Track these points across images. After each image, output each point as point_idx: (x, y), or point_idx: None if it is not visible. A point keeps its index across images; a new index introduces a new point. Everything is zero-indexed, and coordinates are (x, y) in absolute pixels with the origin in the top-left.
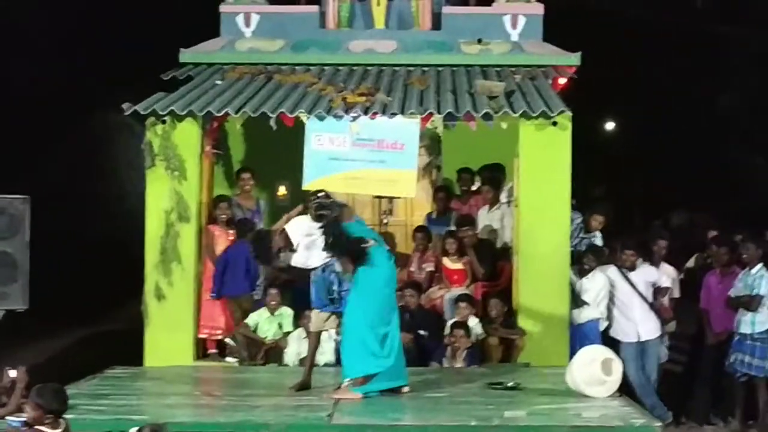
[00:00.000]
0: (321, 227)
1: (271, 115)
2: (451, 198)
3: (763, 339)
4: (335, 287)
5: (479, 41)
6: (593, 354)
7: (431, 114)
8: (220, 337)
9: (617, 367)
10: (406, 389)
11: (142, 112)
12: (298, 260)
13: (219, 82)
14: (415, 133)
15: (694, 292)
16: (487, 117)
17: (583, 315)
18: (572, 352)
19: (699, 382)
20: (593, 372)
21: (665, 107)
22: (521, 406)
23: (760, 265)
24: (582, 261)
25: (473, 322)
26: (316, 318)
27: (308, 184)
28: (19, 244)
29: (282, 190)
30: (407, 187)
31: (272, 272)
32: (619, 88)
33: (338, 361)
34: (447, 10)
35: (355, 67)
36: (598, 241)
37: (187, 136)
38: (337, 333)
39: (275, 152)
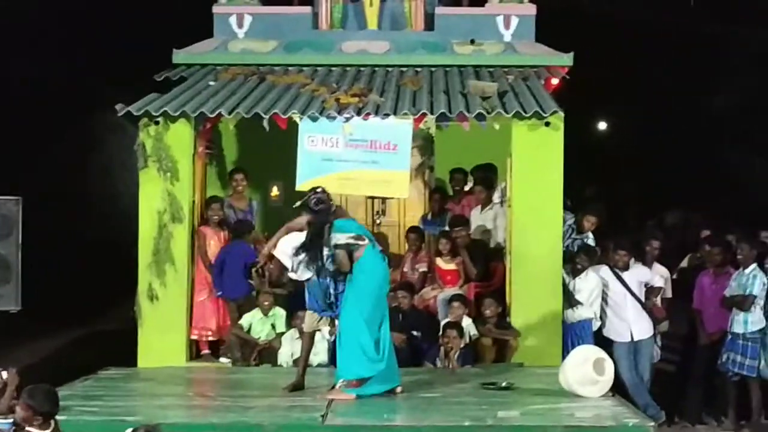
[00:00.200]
0: (315, 222)
1: (264, 115)
2: (446, 199)
3: (755, 339)
4: (332, 290)
5: (472, 42)
6: (585, 354)
7: (424, 114)
8: (212, 339)
9: (609, 366)
10: (399, 390)
11: (135, 113)
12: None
13: (212, 82)
14: (408, 133)
15: (687, 292)
16: (479, 117)
17: (576, 315)
18: (565, 352)
19: (692, 382)
20: (586, 372)
21: (658, 107)
22: (515, 407)
23: (754, 265)
24: (575, 261)
25: (466, 323)
26: (309, 318)
27: (301, 184)
28: (12, 245)
29: (275, 191)
30: (400, 188)
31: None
32: (612, 88)
33: (332, 362)
34: (440, 10)
35: (347, 68)
36: (591, 241)
37: (180, 137)
38: (331, 333)
39: (268, 153)
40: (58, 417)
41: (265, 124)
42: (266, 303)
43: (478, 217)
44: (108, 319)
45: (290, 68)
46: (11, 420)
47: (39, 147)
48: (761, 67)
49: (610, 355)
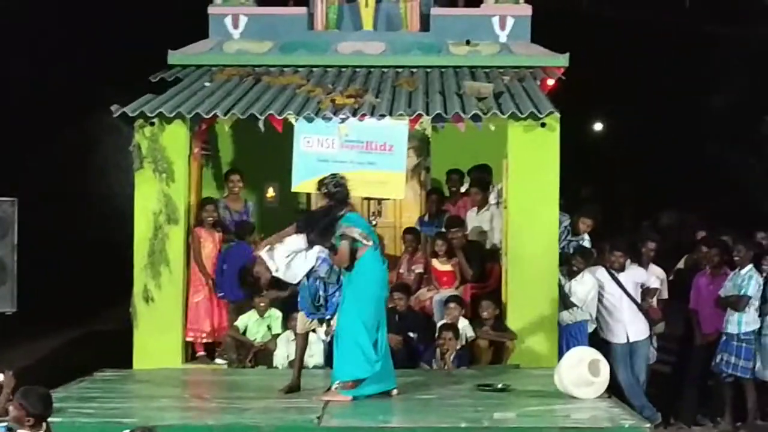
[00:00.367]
0: (330, 206)
1: (259, 117)
2: (443, 200)
3: (749, 340)
4: (321, 293)
5: (468, 42)
6: (580, 355)
7: (420, 115)
8: (207, 340)
9: (604, 368)
10: (395, 392)
11: (130, 114)
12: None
13: (207, 83)
14: (404, 134)
15: (683, 293)
16: (475, 118)
17: (572, 317)
18: (561, 354)
19: (687, 383)
20: (581, 373)
21: (654, 108)
22: (511, 408)
23: (749, 266)
24: (571, 263)
25: (463, 324)
26: (302, 320)
27: (297, 185)
28: (8, 246)
29: (270, 192)
30: (396, 189)
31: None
32: (608, 89)
33: (327, 364)
34: (435, 11)
35: (343, 69)
36: (586, 243)
37: (176, 138)
38: (327, 334)
39: (263, 154)
40: (53, 419)
41: (261, 125)
42: (262, 305)
43: (474, 219)
44: (103, 320)
45: (286, 69)
46: (5, 424)
47: (35, 148)
48: (756, 68)
49: (606, 356)
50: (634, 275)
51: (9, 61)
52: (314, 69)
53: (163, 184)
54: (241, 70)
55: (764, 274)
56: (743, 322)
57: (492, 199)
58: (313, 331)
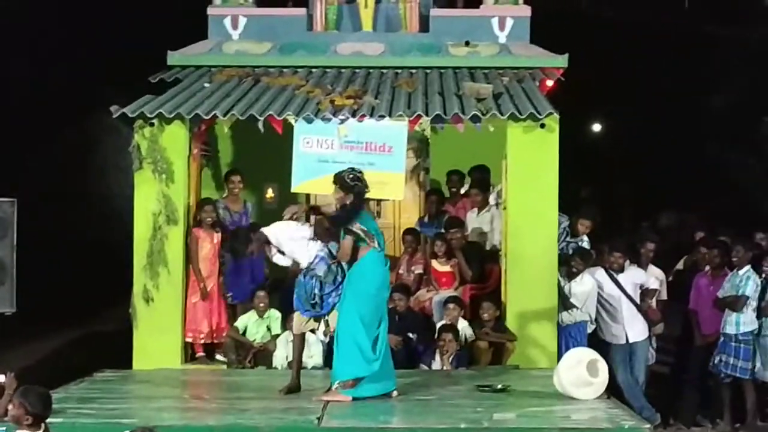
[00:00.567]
0: (348, 201)
1: (259, 117)
2: (443, 201)
3: (747, 341)
4: (317, 291)
5: (467, 43)
6: (579, 356)
7: (419, 116)
8: (205, 341)
9: (603, 368)
10: (395, 393)
11: (130, 115)
12: (288, 263)
13: (207, 84)
14: (403, 135)
15: (682, 293)
16: (475, 119)
17: (571, 317)
18: (560, 355)
19: (687, 383)
20: (580, 374)
21: (653, 109)
22: (510, 409)
23: (747, 267)
24: (570, 264)
25: (462, 325)
26: (298, 320)
27: (296, 186)
28: (7, 247)
29: (270, 193)
30: (396, 190)
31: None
32: (607, 89)
33: (327, 364)
34: (434, 12)
35: (342, 70)
36: (585, 244)
37: (175, 139)
38: (326, 334)
39: (263, 155)
40: (53, 420)
41: (260, 126)
42: (261, 305)
43: (474, 220)
44: (103, 321)
45: (285, 70)
46: (4, 427)
47: (34, 148)
48: (756, 68)
49: (606, 357)
50: (633, 276)
51: (9, 61)
52: (313, 70)
53: (162, 184)
54: (240, 71)
55: (763, 275)
56: (741, 323)
57: (492, 200)
58: (313, 331)
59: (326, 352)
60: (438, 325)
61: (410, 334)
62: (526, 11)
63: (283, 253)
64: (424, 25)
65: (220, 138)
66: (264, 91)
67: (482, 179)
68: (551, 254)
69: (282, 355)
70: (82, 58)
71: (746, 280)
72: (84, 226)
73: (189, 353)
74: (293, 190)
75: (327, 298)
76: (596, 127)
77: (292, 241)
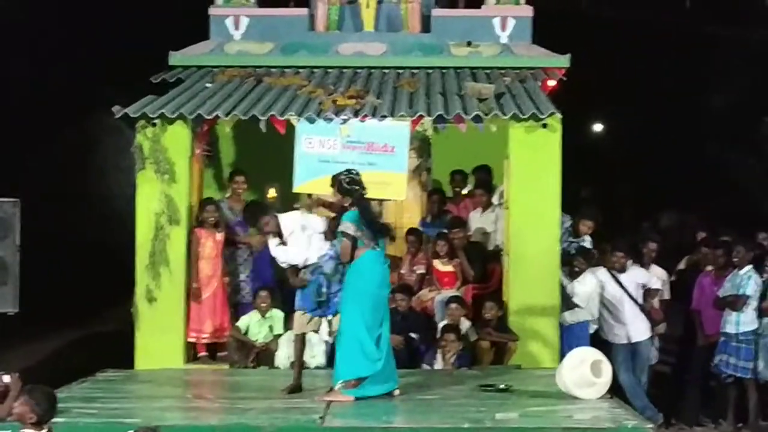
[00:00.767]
0: (346, 203)
1: (261, 117)
2: (445, 201)
3: (748, 340)
4: (324, 289)
5: (469, 43)
6: (583, 356)
7: (421, 116)
8: (207, 341)
9: (606, 368)
10: (397, 392)
11: (132, 115)
12: (296, 258)
13: (209, 84)
14: (406, 135)
15: (685, 293)
16: (477, 119)
17: (574, 317)
18: (562, 355)
19: (689, 383)
20: (583, 374)
21: (655, 108)
22: (513, 408)
23: (748, 267)
24: (572, 264)
25: (465, 325)
26: (299, 320)
27: (298, 186)
28: (10, 247)
29: (272, 193)
30: (398, 190)
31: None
32: (609, 89)
33: (329, 364)
34: (436, 12)
35: (344, 70)
36: (588, 244)
37: (177, 139)
38: (330, 335)
39: (265, 155)
40: (56, 419)
41: (262, 126)
42: (264, 305)
43: (478, 220)
44: (105, 320)
45: (287, 70)
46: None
47: (35, 148)
48: (756, 69)
49: (608, 357)
50: (635, 276)
51: (9, 61)
52: (315, 70)
53: (164, 184)
54: (242, 71)
55: (765, 275)
56: (741, 322)
57: (495, 200)
58: (315, 331)
59: (329, 353)
60: (440, 325)
61: (412, 334)
62: (527, 11)
63: (284, 243)
64: (426, 25)
65: (222, 138)
66: (266, 92)
67: (486, 179)
68: (553, 254)
69: (284, 354)
70: (82, 58)
71: (747, 280)
72: (85, 226)
73: (191, 353)
74: (295, 190)
75: (333, 298)
76: (598, 128)
77: (302, 232)
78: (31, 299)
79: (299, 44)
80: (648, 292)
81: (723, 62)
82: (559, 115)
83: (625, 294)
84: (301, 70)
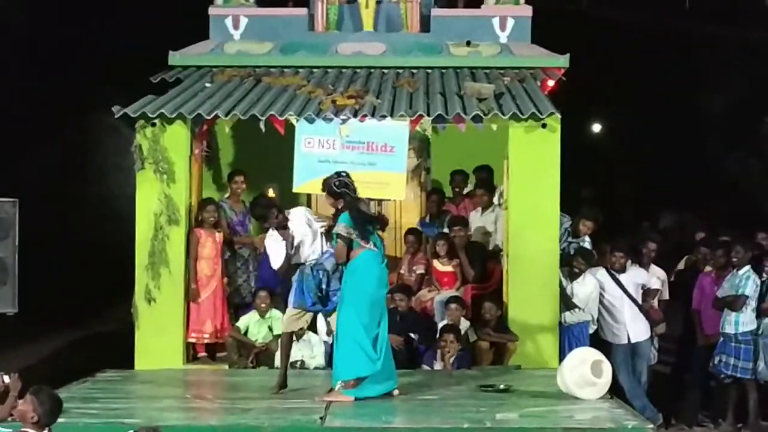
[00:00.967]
0: (340, 206)
1: (260, 117)
2: (444, 201)
3: (747, 341)
4: (324, 285)
5: (468, 43)
6: (583, 356)
7: (420, 116)
8: (208, 341)
9: (607, 369)
10: (396, 392)
11: (131, 115)
12: (281, 254)
13: (208, 84)
14: (405, 135)
15: (684, 293)
16: (476, 119)
17: (574, 317)
18: (562, 355)
19: (689, 383)
20: (583, 374)
21: (654, 109)
22: (513, 409)
23: (747, 267)
24: (572, 264)
25: (464, 325)
26: (288, 317)
27: (298, 186)
28: (9, 247)
29: (271, 193)
30: (397, 190)
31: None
32: (608, 89)
33: (329, 365)
34: (435, 12)
35: (344, 70)
36: (587, 245)
37: (177, 139)
38: (329, 334)
39: (264, 155)
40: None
41: (262, 126)
42: (263, 305)
43: (478, 219)
44: (105, 321)
45: (286, 70)
46: (10, 429)
47: (35, 148)
48: (756, 69)
49: (607, 357)
50: (635, 276)
51: (9, 61)
52: (315, 70)
53: (164, 184)
54: (241, 71)
55: (764, 276)
56: (740, 323)
57: (496, 200)
58: (315, 332)
59: (328, 353)
60: (439, 326)
61: (412, 335)
62: (527, 11)
63: (285, 240)
64: (425, 25)
65: (221, 138)
66: (265, 92)
67: (487, 179)
68: (553, 254)
69: None
70: (82, 58)
71: (746, 280)
72: (84, 226)
73: (191, 353)
74: (294, 190)
75: (332, 295)
76: (597, 128)
77: (307, 227)
78: (30, 299)
79: (298, 44)
80: (647, 293)
81: (722, 62)
82: (558, 115)
83: (624, 294)
84: (300, 70)
